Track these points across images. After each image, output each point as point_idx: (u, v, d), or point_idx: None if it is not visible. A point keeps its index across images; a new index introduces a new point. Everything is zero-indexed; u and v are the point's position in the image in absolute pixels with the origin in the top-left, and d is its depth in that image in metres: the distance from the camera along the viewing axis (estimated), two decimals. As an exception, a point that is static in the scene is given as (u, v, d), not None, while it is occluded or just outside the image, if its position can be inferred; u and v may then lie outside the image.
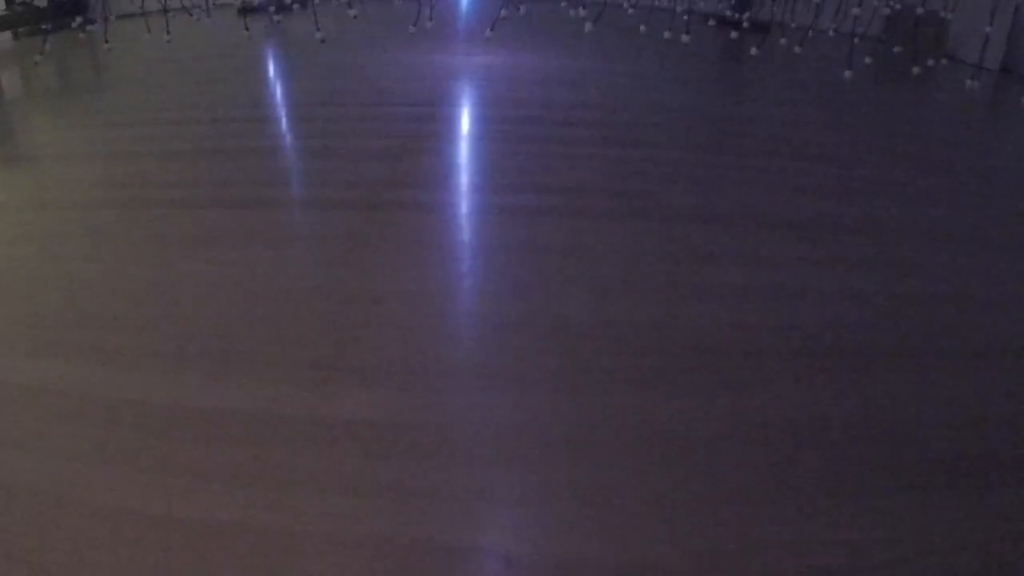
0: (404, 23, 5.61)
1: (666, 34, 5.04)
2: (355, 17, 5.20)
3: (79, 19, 5.14)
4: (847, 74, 4.53)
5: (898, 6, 5.24)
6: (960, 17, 5.70)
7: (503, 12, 5.29)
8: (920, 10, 4.82)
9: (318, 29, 4.77)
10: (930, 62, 5.02)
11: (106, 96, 4.62)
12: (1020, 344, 2.04)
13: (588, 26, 5.06)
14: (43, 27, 5.02)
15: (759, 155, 3.62)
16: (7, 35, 5.92)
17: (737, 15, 6.02)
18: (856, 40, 4.92)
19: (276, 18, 6.10)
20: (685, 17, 5.26)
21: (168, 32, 4.87)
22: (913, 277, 2.40)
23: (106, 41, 4.86)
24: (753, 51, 4.94)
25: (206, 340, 1.94)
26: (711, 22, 5.79)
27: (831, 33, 5.45)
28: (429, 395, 1.74)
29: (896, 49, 5.17)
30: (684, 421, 1.65)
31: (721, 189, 3.15)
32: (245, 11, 6.70)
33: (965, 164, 3.64)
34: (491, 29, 5.09)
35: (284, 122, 4.09)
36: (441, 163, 3.38)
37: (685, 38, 4.85)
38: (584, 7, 5.38)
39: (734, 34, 5.56)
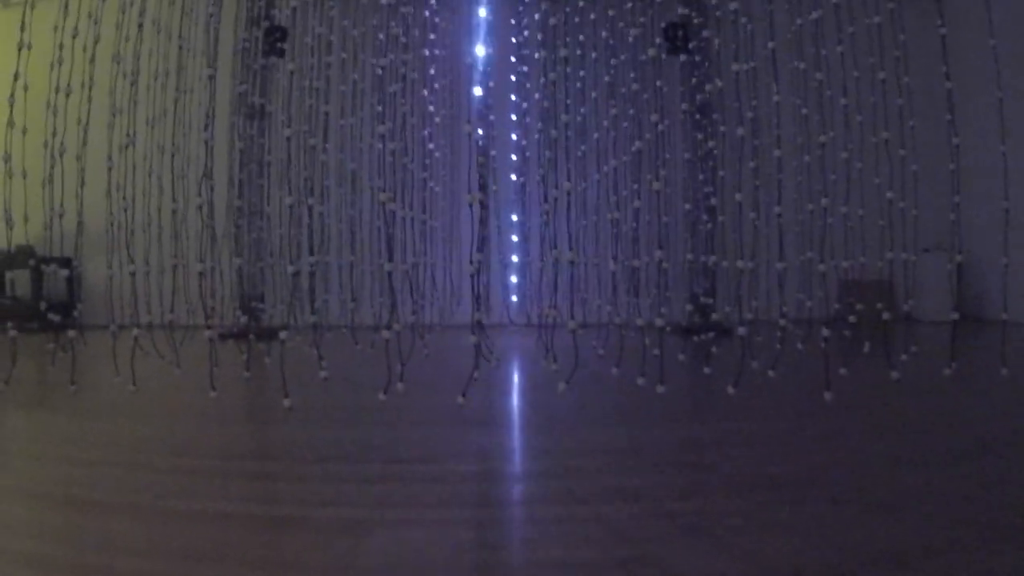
0: (373, 374, 5.56)
1: (640, 380, 5.03)
2: (326, 378, 5.08)
3: (52, 345, 5.08)
4: (827, 395, 4.45)
5: (860, 307, 5.34)
6: (910, 279, 5.84)
7: (475, 375, 5.31)
8: (887, 315, 4.86)
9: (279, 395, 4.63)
10: (903, 356, 5.00)
11: (69, 423, 4.43)
12: None
13: (561, 386, 5.05)
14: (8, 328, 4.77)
15: (745, 496, 3.38)
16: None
17: (701, 334, 6.14)
18: (824, 344, 4.91)
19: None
20: (656, 351, 5.26)
21: (134, 383, 4.74)
22: None
23: (72, 382, 4.75)
24: (731, 391, 4.89)
25: None
26: (681, 356, 5.87)
27: (799, 346, 5.53)
28: None
29: (865, 348, 5.18)
30: None
31: (721, 541, 2.84)
32: (224, 338, 6.28)
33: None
34: (463, 396, 5.03)
35: (246, 479, 3.81)
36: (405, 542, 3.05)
37: (660, 388, 4.83)
38: (556, 360, 5.43)
39: (707, 370, 5.57)
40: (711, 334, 5.95)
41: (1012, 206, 4.57)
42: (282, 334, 4.33)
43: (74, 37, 4.25)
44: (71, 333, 4.29)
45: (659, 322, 5.50)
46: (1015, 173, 4.85)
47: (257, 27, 5.76)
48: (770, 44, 4.80)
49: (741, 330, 4.90)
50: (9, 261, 6.16)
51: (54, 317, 4.81)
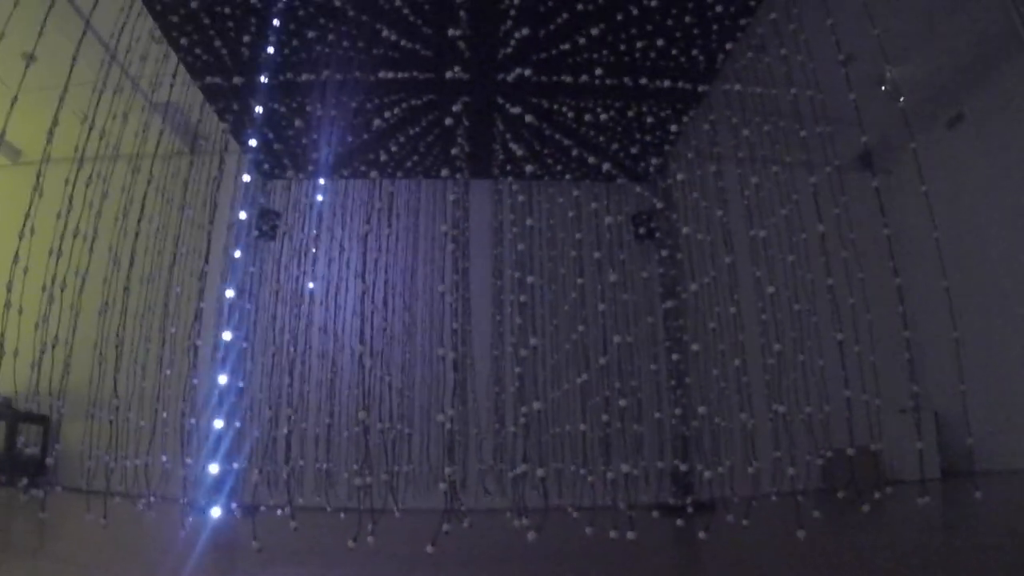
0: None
1: (612, 533, 4.95)
2: (295, 528, 4.91)
3: (24, 482, 4.96)
4: (800, 533, 4.43)
5: (829, 453, 5.39)
6: (890, 443, 5.88)
7: (445, 527, 5.19)
8: (851, 450, 4.94)
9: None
10: (876, 495, 5.01)
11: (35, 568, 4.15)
12: None
13: (531, 535, 4.96)
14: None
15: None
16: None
17: (679, 501, 6.08)
18: (800, 498, 4.92)
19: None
20: (630, 514, 5.23)
21: (105, 517, 4.55)
22: None
23: (42, 510, 4.57)
24: (702, 535, 4.85)
25: None
26: (655, 513, 5.78)
27: (774, 498, 5.48)
28: None
29: (840, 494, 5.19)
30: None
31: None
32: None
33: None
34: (432, 544, 4.90)
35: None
36: None
37: (630, 535, 4.76)
38: (527, 516, 5.36)
39: (679, 522, 5.51)
40: (688, 506, 5.88)
41: (979, 362, 4.83)
42: (255, 476, 4.34)
43: (87, 185, 4.65)
44: (47, 463, 4.27)
45: (625, 469, 5.47)
46: (976, 337, 5.17)
47: (252, 206, 6.25)
48: (719, 213, 5.28)
49: (707, 473, 4.93)
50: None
51: (30, 450, 4.84)
